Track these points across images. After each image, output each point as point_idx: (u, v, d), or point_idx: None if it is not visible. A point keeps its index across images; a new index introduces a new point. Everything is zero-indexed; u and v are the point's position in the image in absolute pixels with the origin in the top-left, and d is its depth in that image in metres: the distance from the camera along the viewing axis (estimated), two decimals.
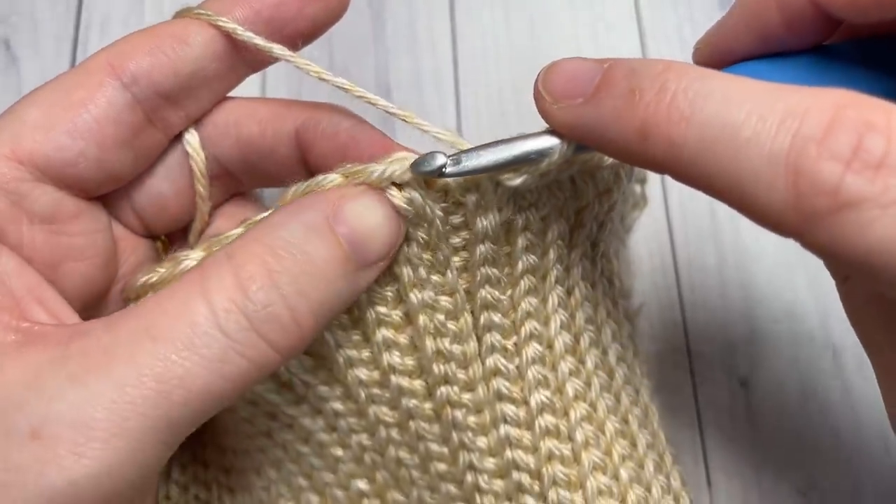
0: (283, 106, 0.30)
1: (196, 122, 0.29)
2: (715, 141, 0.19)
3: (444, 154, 0.24)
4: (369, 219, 0.24)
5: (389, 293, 0.27)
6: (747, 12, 0.24)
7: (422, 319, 0.27)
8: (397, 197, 0.25)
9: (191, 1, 0.29)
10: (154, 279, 0.26)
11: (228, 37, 0.28)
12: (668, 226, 0.44)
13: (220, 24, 0.27)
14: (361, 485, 0.31)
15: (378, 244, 0.25)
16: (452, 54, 0.48)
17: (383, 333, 0.27)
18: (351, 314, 0.27)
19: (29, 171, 0.26)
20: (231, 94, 0.31)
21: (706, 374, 0.41)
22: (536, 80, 0.24)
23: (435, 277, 0.27)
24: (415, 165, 0.24)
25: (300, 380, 0.29)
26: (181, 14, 0.28)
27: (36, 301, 0.25)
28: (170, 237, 0.32)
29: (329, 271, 0.24)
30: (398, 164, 0.25)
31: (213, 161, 0.30)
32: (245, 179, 0.31)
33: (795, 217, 0.19)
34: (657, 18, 0.48)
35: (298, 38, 0.28)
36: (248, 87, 0.31)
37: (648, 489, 0.29)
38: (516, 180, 0.25)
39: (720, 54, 0.25)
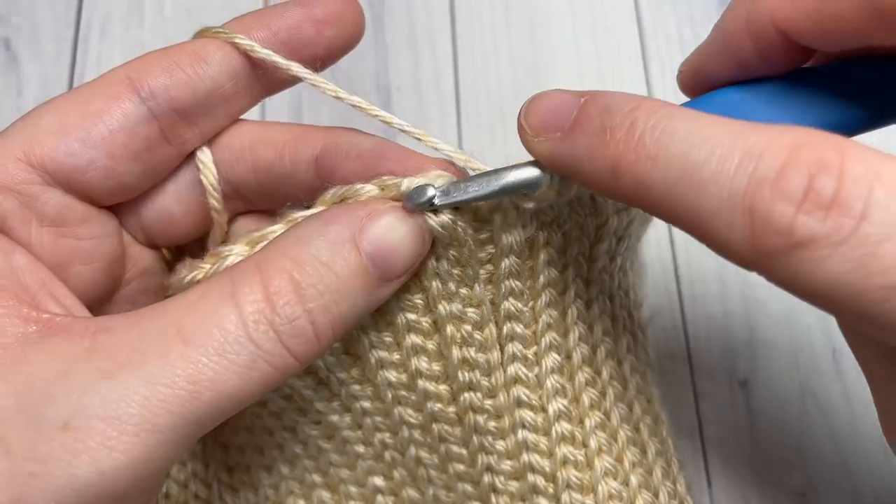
0: (298, 131, 0.30)
1: (209, 143, 0.30)
2: (679, 180, 0.20)
3: (434, 186, 0.25)
4: (394, 237, 0.25)
5: (419, 301, 0.28)
6: (723, 41, 0.25)
7: (449, 330, 0.28)
8: (433, 220, 0.26)
9: (200, 18, 0.29)
10: (199, 276, 0.27)
11: (246, 57, 0.28)
12: (669, 228, 0.44)
13: (238, 41, 0.28)
14: (378, 481, 0.32)
15: (400, 262, 0.26)
16: (452, 56, 0.48)
17: (412, 339, 0.28)
18: (384, 317, 0.28)
19: (39, 175, 0.27)
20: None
21: (706, 375, 0.41)
22: (519, 113, 0.25)
23: (463, 290, 0.28)
24: (407, 200, 0.25)
25: (336, 377, 0.30)
26: (201, 34, 0.29)
27: (49, 295, 0.26)
28: (178, 246, 0.33)
29: (351, 288, 0.25)
30: (430, 180, 0.25)
31: (226, 184, 0.30)
32: (256, 201, 0.31)
33: (754, 255, 0.19)
34: (657, 18, 0.48)
35: (316, 62, 0.29)
36: (249, 112, 0.31)
37: (656, 495, 0.30)
38: (530, 204, 0.26)
39: (701, 78, 0.26)
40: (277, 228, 0.26)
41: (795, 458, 0.39)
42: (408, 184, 0.25)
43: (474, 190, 0.25)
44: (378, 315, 0.28)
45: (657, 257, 0.43)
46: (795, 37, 0.23)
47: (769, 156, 0.19)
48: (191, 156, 0.30)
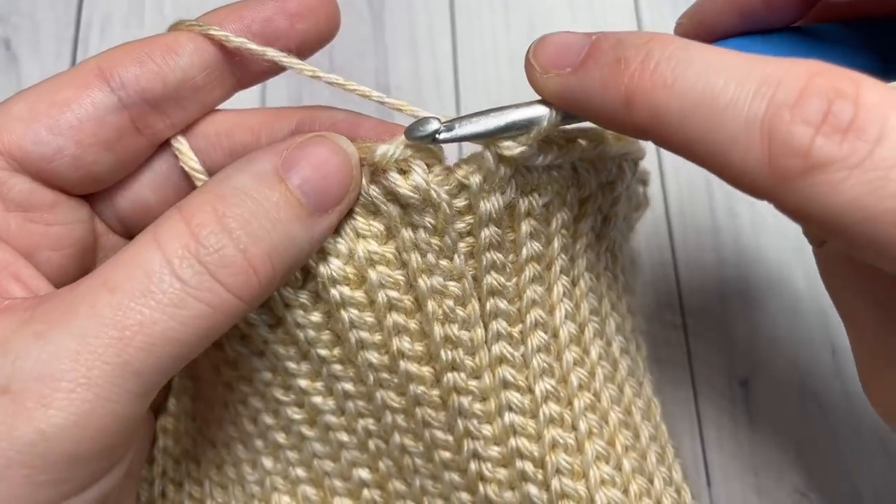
0: (273, 113, 0.30)
1: (184, 131, 0.30)
2: (696, 107, 0.20)
3: (438, 119, 0.25)
4: (320, 165, 0.25)
5: (400, 278, 0.27)
6: None
7: (430, 305, 0.27)
8: (402, 185, 0.26)
9: (196, 4, 0.29)
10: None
11: (219, 49, 0.28)
12: (668, 226, 0.44)
13: (213, 32, 0.28)
14: (363, 474, 0.31)
15: (331, 190, 0.25)
16: (452, 55, 0.48)
17: (394, 318, 0.28)
18: (367, 295, 0.27)
19: (6, 160, 0.27)
20: (234, 106, 0.31)
21: (706, 374, 0.41)
22: (528, 51, 0.25)
23: (443, 262, 0.27)
24: (409, 131, 0.25)
25: (318, 354, 0.29)
26: (175, 27, 0.29)
27: (11, 276, 0.26)
28: None
29: (280, 216, 0.24)
30: (401, 145, 0.25)
31: (203, 173, 0.30)
32: None
33: (770, 179, 0.20)
34: (657, 18, 0.48)
35: (292, 54, 0.29)
36: (249, 96, 0.31)
37: (651, 480, 0.29)
38: (515, 150, 0.25)
39: (703, 30, 0.26)
40: None
41: (795, 458, 0.39)
42: (382, 150, 0.25)
43: (480, 125, 0.25)
44: (358, 293, 0.27)
45: (657, 257, 0.43)
46: None
47: (787, 83, 0.19)
48: (165, 145, 0.29)
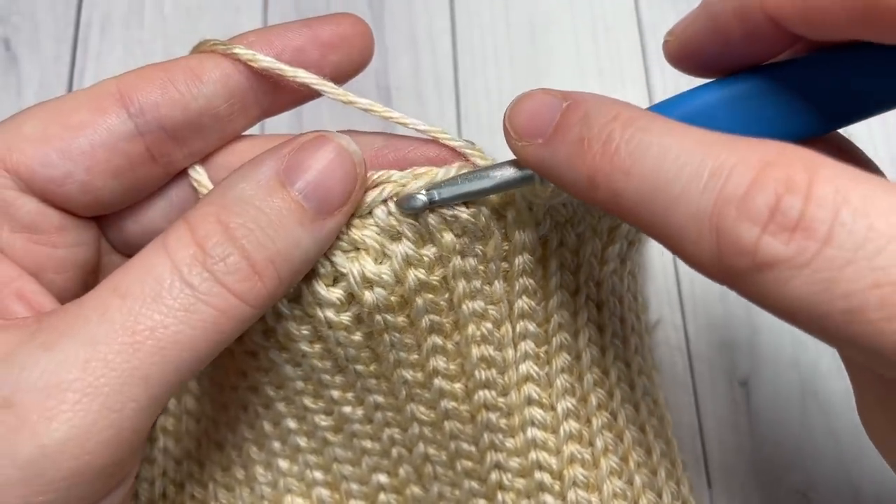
0: None
1: (202, 161, 0.29)
2: (651, 194, 0.20)
3: (421, 194, 0.25)
4: (322, 168, 0.25)
5: (444, 303, 0.28)
6: (710, 20, 0.25)
7: (471, 329, 0.28)
8: (464, 211, 0.26)
9: (200, 18, 0.28)
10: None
11: (246, 78, 0.27)
12: None
13: (238, 52, 0.27)
14: (382, 478, 0.32)
15: (336, 192, 0.25)
16: (452, 55, 0.48)
17: (433, 340, 0.28)
18: (408, 319, 0.28)
19: (13, 180, 0.26)
20: None
21: (706, 374, 0.41)
22: (504, 115, 0.25)
23: (486, 288, 0.28)
24: (400, 205, 0.26)
25: (354, 370, 0.30)
26: (200, 47, 0.28)
27: (14, 294, 0.25)
28: None
29: (284, 222, 0.24)
30: (452, 171, 0.26)
31: None
32: None
33: (721, 273, 0.19)
34: (657, 18, 0.48)
35: (340, 78, 0.28)
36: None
37: (660, 495, 0.31)
38: (542, 198, 0.26)
39: (685, 53, 0.26)
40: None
41: (796, 458, 0.39)
42: (443, 173, 0.26)
43: (465, 188, 0.25)
44: (401, 317, 0.28)
45: (657, 257, 0.43)
46: (784, 24, 0.23)
47: (737, 174, 0.19)
48: (181, 173, 0.29)
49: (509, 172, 0.25)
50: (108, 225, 0.29)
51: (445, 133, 0.27)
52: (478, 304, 0.28)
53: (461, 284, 0.27)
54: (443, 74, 0.47)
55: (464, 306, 0.28)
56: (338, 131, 0.29)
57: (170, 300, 0.23)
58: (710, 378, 0.41)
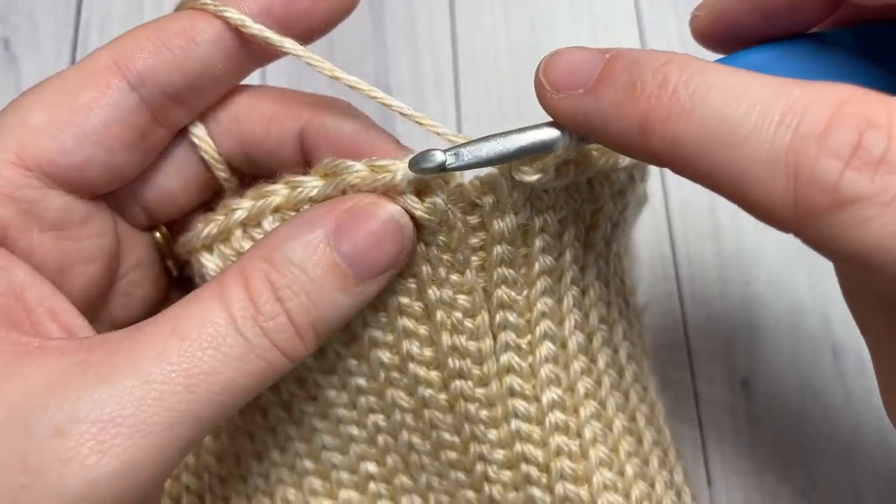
0: (285, 103, 0.29)
1: (201, 116, 0.29)
2: (715, 137, 0.19)
3: (442, 151, 0.24)
4: (370, 236, 0.25)
5: (412, 285, 0.28)
6: None
7: (439, 315, 0.28)
8: (419, 208, 0.26)
9: None
10: (214, 229, 0.28)
11: (236, 32, 0.27)
12: (668, 225, 0.44)
13: (229, 16, 0.26)
14: (371, 467, 0.32)
15: (379, 259, 0.26)
16: (452, 55, 0.48)
17: (404, 322, 0.28)
18: (379, 297, 0.28)
19: (37, 178, 0.26)
20: None
21: (706, 373, 0.41)
22: (538, 69, 0.24)
23: (454, 277, 0.27)
24: (414, 163, 0.24)
25: (334, 350, 0.30)
26: (186, 4, 0.27)
27: (48, 314, 0.25)
28: (169, 226, 0.32)
29: (327, 288, 0.25)
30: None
31: (221, 162, 0.30)
32: (247, 173, 0.31)
33: (795, 214, 0.19)
34: (657, 18, 0.48)
35: (310, 35, 0.28)
36: (249, 80, 0.30)
37: (652, 485, 0.30)
38: (532, 177, 0.25)
39: (720, 26, 0.25)
40: (279, 186, 0.27)
41: (796, 458, 0.39)
42: (402, 173, 0.25)
43: (487, 150, 0.24)
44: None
45: (657, 257, 0.43)
46: None
47: (814, 111, 0.18)
48: (183, 130, 0.29)
49: (537, 134, 0.24)
50: (123, 201, 0.29)
51: (430, 119, 0.27)
52: (445, 293, 0.27)
53: (425, 269, 0.27)
54: (443, 74, 0.47)
55: (430, 292, 0.27)
56: (324, 99, 0.29)
57: (226, 348, 0.23)
58: (710, 378, 0.41)
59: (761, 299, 0.42)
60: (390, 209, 0.26)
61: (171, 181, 0.30)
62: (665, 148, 0.20)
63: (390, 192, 0.26)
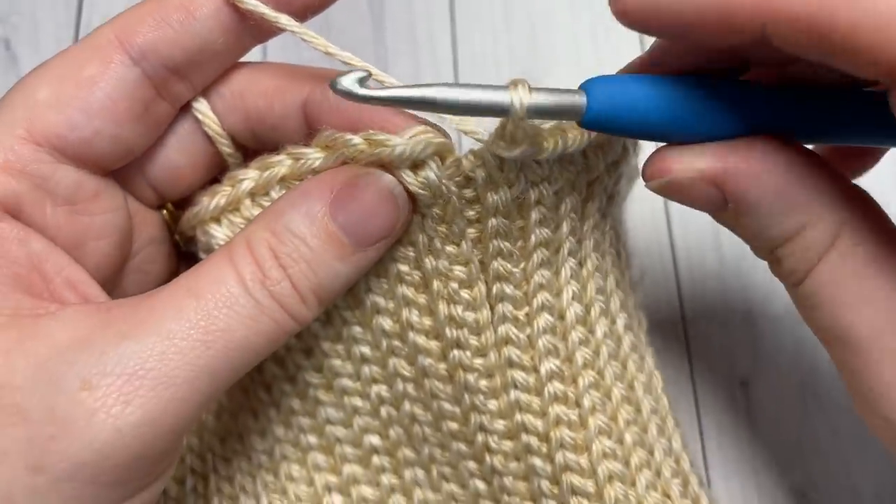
0: (287, 76, 0.30)
1: (204, 92, 0.30)
2: None
3: (369, 72, 0.23)
4: (365, 206, 0.26)
5: (411, 253, 0.28)
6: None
7: (436, 285, 0.28)
8: (413, 182, 0.26)
9: None
10: (222, 201, 0.29)
11: (234, 7, 0.27)
12: (668, 225, 0.44)
13: None
14: (374, 440, 0.32)
15: (375, 229, 0.27)
16: (452, 55, 0.48)
17: (403, 290, 0.29)
18: (381, 264, 0.29)
19: (48, 152, 0.26)
20: None
21: (706, 373, 0.41)
22: None
23: (449, 248, 0.28)
24: (333, 84, 0.23)
25: (340, 316, 0.30)
26: None
27: (66, 283, 0.26)
28: (175, 204, 0.33)
29: (325, 256, 0.26)
30: (420, 144, 0.26)
31: (226, 137, 0.31)
32: (252, 148, 0.31)
33: None
34: None
35: (305, 12, 0.28)
36: (248, 57, 0.31)
37: (651, 452, 0.31)
38: (513, 152, 0.24)
39: (646, 13, 0.24)
40: (283, 157, 0.28)
41: (796, 458, 0.39)
42: (401, 147, 0.26)
43: (405, 91, 0.23)
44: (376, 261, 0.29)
45: (657, 257, 0.43)
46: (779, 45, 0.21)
47: None
48: (186, 107, 0.30)
49: (491, 94, 0.22)
50: (131, 178, 0.30)
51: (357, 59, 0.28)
52: (441, 264, 0.28)
53: (421, 238, 0.28)
54: (443, 74, 0.47)
55: (426, 261, 0.28)
56: (325, 72, 0.29)
57: (238, 308, 0.25)
58: (710, 378, 0.41)
59: (761, 299, 0.42)
60: (385, 179, 0.27)
61: (177, 157, 0.30)
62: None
63: (387, 165, 0.27)
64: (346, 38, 0.48)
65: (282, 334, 0.26)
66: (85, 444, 0.22)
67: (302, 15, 0.28)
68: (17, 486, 0.22)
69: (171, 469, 0.27)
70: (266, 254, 0.26)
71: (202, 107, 0.30)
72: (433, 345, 0.29)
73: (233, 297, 0.25)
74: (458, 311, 0.28)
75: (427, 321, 0.29)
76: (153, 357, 0.23)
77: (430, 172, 0.26)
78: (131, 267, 0.31)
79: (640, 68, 0.27)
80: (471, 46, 0.48)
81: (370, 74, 0.24)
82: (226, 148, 0.30)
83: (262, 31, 0.29)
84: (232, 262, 0.26)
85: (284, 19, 0.27)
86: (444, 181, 0.26)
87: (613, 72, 0.47)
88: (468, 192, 0.27)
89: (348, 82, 0.23)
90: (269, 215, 0.27)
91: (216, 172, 0.32)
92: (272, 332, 0.26)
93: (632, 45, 0.47)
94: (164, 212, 0.32)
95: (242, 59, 0.30)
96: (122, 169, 0.29)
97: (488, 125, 0.26)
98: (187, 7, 0.27)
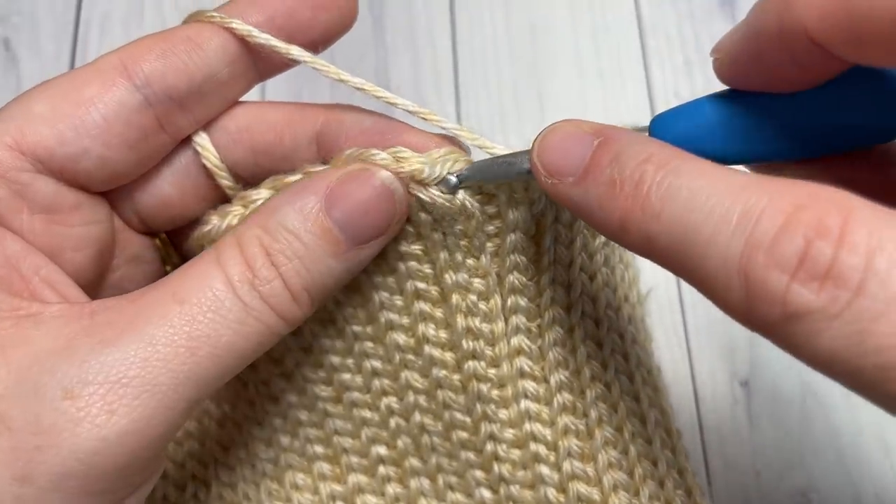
0: (296, 110, 0.30)
1: (205, 127, 0.30)
2: (682, 239, 0.20)
3: (454, 176, 0.26)
4: (361, 202, 0.26)
5: (429, 271, 0.29)
6: (752, 41, 0.23)
7: (455, 299, 0.29)
8: (441, 198, 0.26)
9: (195, 4, 0.29)
10: (234, 220, 0.28)
11: (241, 42, 0.28)
12: None
13: (235, 27, 0.27)
14: (381, 450, 0.33)
15: (370, 226, 0.26)
16: (452, 55, 0.48)
17: (420, 306, 0.29)
18: (397, 283, 0.29)
19: (30, 162, 0.26)
20: None
21: (706, 374, 0.41)
22: (531, 149, 0.24)
23: (470, 261, 0.28)
24: (433, 185, 0.26)
25: (352, 331, 0.31)
26: (194, 17, 0.28)
27: (44, 282, 0.26)
28: (170, 234, 0.33)
29: (319, 253, 0.26)
30: (449, 161, 0.26)
31: (225, 170, 0.30)
32: (254, 181, 0.31)
33: (752, 322, 0.19)
34: (657, 18, 0.48)
35: (310, 47, 0.28)
36: (248, 97, 0.31)
37: (655, 463, 0.31)
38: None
39: (736, 72, 0.25)
40: (299, 177, 0.28)
41: (796, 458, 0.39)
42: (430, 168, 0.26)
43: (492, 174, 0.26)
44: (390, 278, 0.29)
45: None
46: (830, 49, 0.21)
47: (767, 218, 0.18)
48: (186, 140, 0.29)
49: (527, 165, 0.25)
50: (119, 200, 0.30)
51: (435, 115, 0.28)
52: (461, 277, 0.28)
53: (442, 256, 0.28)
54: (443, 74, 0.47)
55: (446, 276, 0.28)
56: (336, 104, 0.29)
57: (225, 312, 0.24)
58: (710, 378, 0.41)
59: None
60: (382, 176, 0.26)
61: (168, 188, 0.30)
62: (641, 244, 0.21)
63: (415, 182, 0.27)
64: (347, 38, 0.48)
65: (271, 336, 0.25)
66: (71, 454, 0.22)
67: (307, 50, 0.28)
68: (4, 497, 0.22)
69: (157, 473, 0.26)
70: (257, 252, 0.25)
71: (202, 140, 0.29)
72: (448, 356, 0.30)
73: (219, 300, 0.24)
74: (476, 322, 0.29)
75: (443, 334, 0.29)
76: (136, 365, 0.23)
77: (459, 194, 0.26)
78: (111, 282, 0.31)
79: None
80: (471, 46, 0.48)
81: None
82: (225, 181, 0.30)
83: (267, 66, 0.29)
84: (219, 262, 0.25)
85: (296, 50, 0.28)
86: (468, 199, 0.27)
87: (613, 71, 0.47)
88: (490, 209, 0.27)
89: (450, 182, 0.26)
90: (262, 213, 0.26)
91: (207, 207, 0.31)
92: (261, 335, 0.25)
93: (632, 46, 0.47)
94: (157, 241, 0.32)
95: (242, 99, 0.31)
96: (110, 193, 0.29)
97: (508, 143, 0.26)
98: (194, 39, 0.27)
